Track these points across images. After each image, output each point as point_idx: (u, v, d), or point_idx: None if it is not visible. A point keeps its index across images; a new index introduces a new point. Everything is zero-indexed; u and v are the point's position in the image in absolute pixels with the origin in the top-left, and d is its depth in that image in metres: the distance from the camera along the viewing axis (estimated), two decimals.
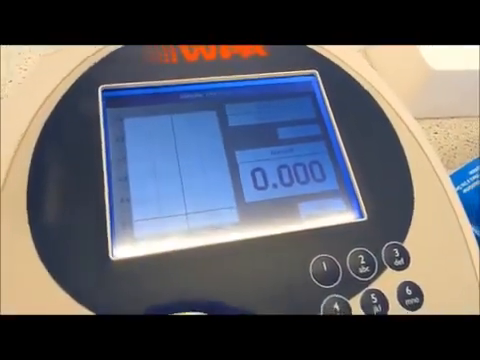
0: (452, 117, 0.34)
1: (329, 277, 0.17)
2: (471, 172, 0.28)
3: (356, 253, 0.18)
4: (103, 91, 0.20)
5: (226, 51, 0.22)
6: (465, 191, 0.27)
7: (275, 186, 0.19)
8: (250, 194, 0.19)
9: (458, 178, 0.27)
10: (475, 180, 0.28)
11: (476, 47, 0.32)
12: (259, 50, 0.22)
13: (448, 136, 0.33)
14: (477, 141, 0.33)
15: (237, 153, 0.20)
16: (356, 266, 0.18)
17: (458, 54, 0.31)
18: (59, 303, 0.15)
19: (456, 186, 0.27)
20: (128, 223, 0.17)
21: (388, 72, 0.34)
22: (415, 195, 0.20)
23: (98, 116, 0.19)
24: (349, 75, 0.23)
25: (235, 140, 0.20)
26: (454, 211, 0.20)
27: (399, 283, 0.18)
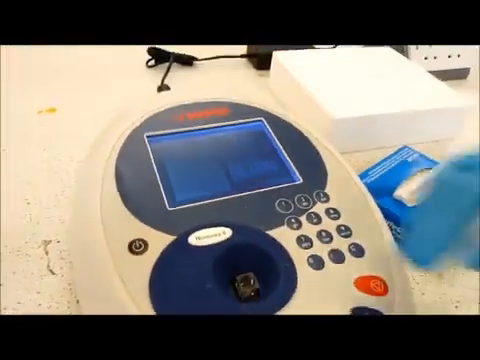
0: (359, 151, 0.52)
1: (287, 208, 0.32)
2: (370, 172, 0.44)
3: (299, 196, 0.33)
4: (147, 137, 0.35)
5: (209, 112, 0.39)
6: (368, 182, 0.43)
7: (249, 174, 0.35)
8: (236, 178, 0.34)
9: (363, 176, 0.44)
10: (373, 177, 0.44)
11: (368, 95, 0.52)
12: (231, 110, 0.39)
13: (357, 161, 0.50)
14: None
15: (225, 162, 0.35)
16: (301, 202, 0.32)
17: (353, 102, 0.50)
18: (133, 227, 0.29)
19: (362, 180, 0.43)
20: (172, 193, 0.32)
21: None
22: (328, 173, 0.36)
23: (146, 148, 0.34)
24: (283, 120, 0.40)
25: (223, 156, 0.36)
26: (355, 183, 0.36)
27: (325, 208, 0.32)
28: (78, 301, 0.33)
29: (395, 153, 0.48)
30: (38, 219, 0.40)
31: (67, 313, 0.33)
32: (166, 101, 0.40)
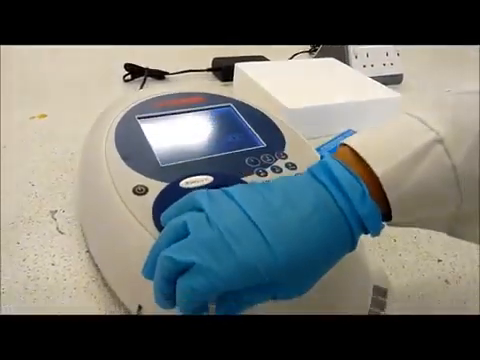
0: (312, 138, 0.62)
1: (255, 163, 0.40)
2: (320, 149, 0.54)
3: (264, 155, 0.41)
4: (138, 117, 0.43)
5: (187, 100, 0.47)
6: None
7: (223, 142, 0.43)
8: (213, 144, 0.42)
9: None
10: (322, 152, 0.53)
11: (316, 92, 0.62)
12: (205, 98, 0.48)
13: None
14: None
15: (204, 134, 0.44)
16: (265, 159, 0.41)
17: (304, 97, 0.60)
18: (134, 178, 0.36)
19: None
20: (163, 154, 0.39)
21: None
22: (286, 140, 0.44)
23: (138, 124, 0.42)
24: (248, 105, 0.49)
25: (201, 130, 0.44)
26: (308, 146, 0.45)
27: (285, 162, 0.41)
28: (88, 251, 0.40)
29: (341, 134, 0.58)
30: (43, 196, 0.46)
31: (78, 261, 0.39)
32: (151, 92, 0.48)
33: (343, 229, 0.26)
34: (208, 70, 0.81)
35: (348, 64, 0.81)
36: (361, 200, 0.25)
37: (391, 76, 0.85)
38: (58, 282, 0.37)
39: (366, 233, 0.27)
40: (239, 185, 0.29)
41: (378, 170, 0.26)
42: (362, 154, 0.27)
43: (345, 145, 0.29)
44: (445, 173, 0.26)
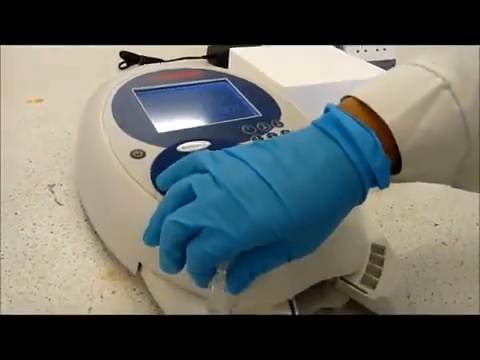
0: (310, 117, 0.62)
1: (251, 131, 0.41)
2: None
3: (260, 124, 0.42)
4: (134, 90, 0.44)
5: (184, 75, 0.48)
6: None
7: (219, 112, 0.43)
8: (209, 114, 0.43)
9: None
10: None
11: (312, 73, 0.62)
12: (201, 73, 0.49)
13: None
14: None
15: (200, 105, 0.44)
16: (261, 127, 0.41)
17: (300, 77, 0.60)
18: (132, 143, 0.36)
19: None
20: (160, 122, 0.40)
21: None
22: (281, 110, 0.45)
23: (134, 96, 0.43)
24: (244, 79, 0.50)
25: (198, 101, 0.45)
26: (302, 115, 0.45)
27: (281, 130, 0.41)
28: (86, 220, 0.40)
29: None
30: (41, 171, 0.46)
31: (76, 229, 0.39)
32: (148, 69, 0.48)
33: (354, 182, 0.25)
34: (203, 57, 0.82)
35: (341, 48, 0.82)
36: (373, 153, 0.25)
37: (384, 61, 0.86)
38: (57, 249, 0.37)
39: (375, 186, 0.27)
40: (240, 145, 0.28)
41: (387, 119, 0.25)
42: (369, 104, 0.26)
43: (350, 96, 0.28)
44: (454, 119, 0.25)
